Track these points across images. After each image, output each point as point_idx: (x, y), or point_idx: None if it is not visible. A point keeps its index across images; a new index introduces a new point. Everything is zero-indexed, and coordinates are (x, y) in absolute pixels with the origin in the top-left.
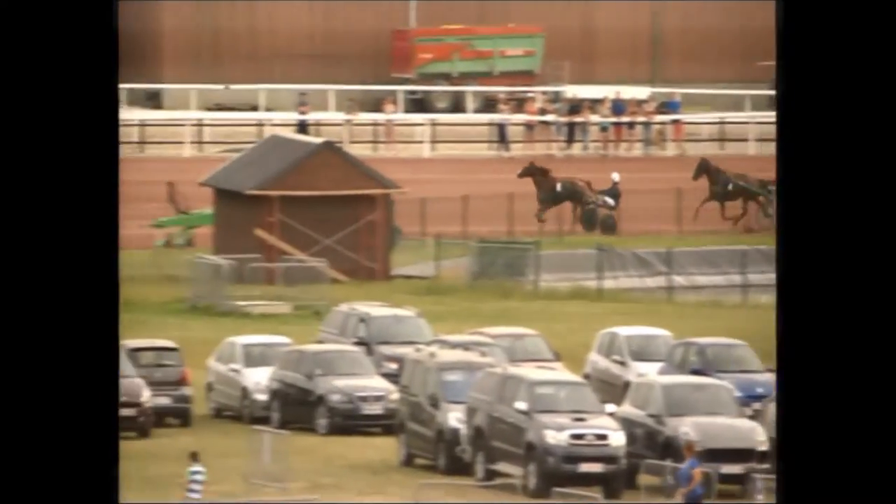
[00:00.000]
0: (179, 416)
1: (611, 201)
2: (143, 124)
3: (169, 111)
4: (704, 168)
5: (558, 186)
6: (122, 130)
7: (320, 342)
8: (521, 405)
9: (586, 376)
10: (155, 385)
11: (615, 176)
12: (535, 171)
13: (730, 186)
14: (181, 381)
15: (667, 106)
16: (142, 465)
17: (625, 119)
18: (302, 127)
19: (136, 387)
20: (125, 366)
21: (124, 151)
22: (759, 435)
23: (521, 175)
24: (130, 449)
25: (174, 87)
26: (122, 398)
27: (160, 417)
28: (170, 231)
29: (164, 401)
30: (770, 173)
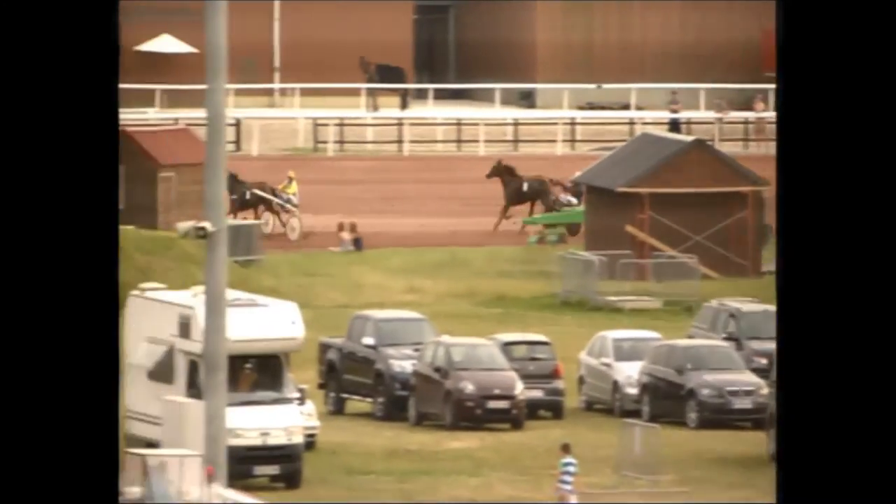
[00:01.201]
0: (552, 408)
1: (573, 200)
2: (516, 123)
3: (542, 110)
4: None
5: (525, 185)
6: (495, 130)
7: (690, 337)
8: None
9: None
10: (528, 378)
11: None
12: (503, 171)
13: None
14: (553, 375)
15: None
16: (515, 456)
17: None
18: (673, 125)
19: (509, 380)
20: (500, 358)
21: (496, 150)
22: None
23: (490, 175)
24: (504, 441)
25: (547, 87)
26: (496, 391)
27: (533, 410)
28: (542, 228)
29: (536, 394)
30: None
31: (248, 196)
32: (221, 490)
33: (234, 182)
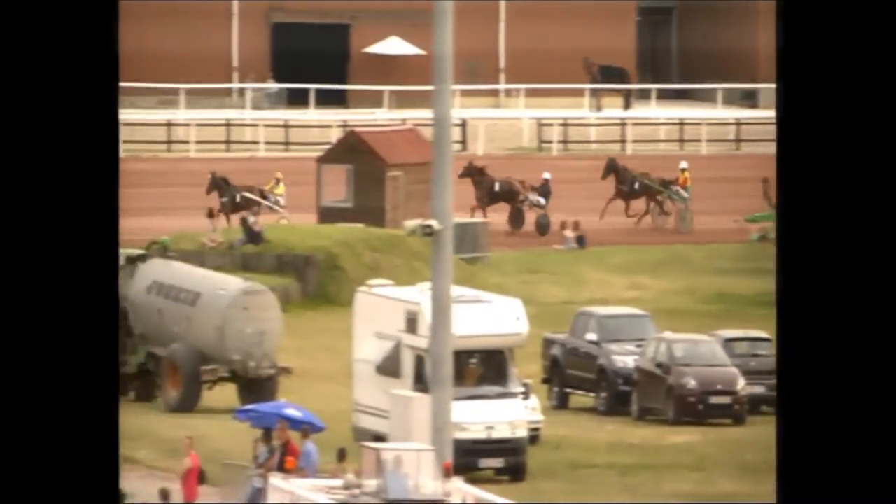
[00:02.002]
0: (774, 404)
1: (542, 200)
2: (738, 123)
3: (764, 110)
4: (612, 167)
5: (496, 185)
6: (717, 129)
7: None
8: None
9: None
10: (749, 374)
11: (546, 175)
12: (474, 171)
13: (636, 185)
14: (775, 371)
15: None
16: (737, 452)
17: None
18: None
19: (731, 376)
20: (721, 354)
21: (718, 149)
22: None
23: (462, 175)
24: (726, 436)
25: (770, 86)
26: (718, 387)
27: (755, 405)
28: (764, 225)
29: (758, 389)
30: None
31: (238, 199)
32: (460, 484)
33: (224, 185)
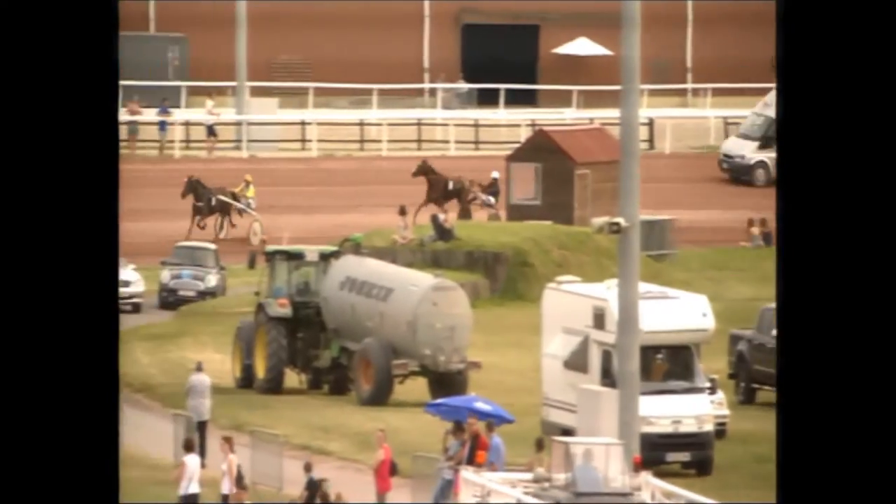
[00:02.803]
0: None
1: (491, 199)
2: None
3: None
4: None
5: (449, 184)
6: None
7: None
8: None
9: None
10: None
11: (495, 174)
12: (427, 170)
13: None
14: None
15: None
16: None
17: None
18: None
19: None
20: None
21: None
22: None
23: (415, 174)
24: None
25: None
26: None
27: None
28: None
29: None
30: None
31: (213, 202)
32: (649, 478)
33: (200, 188)
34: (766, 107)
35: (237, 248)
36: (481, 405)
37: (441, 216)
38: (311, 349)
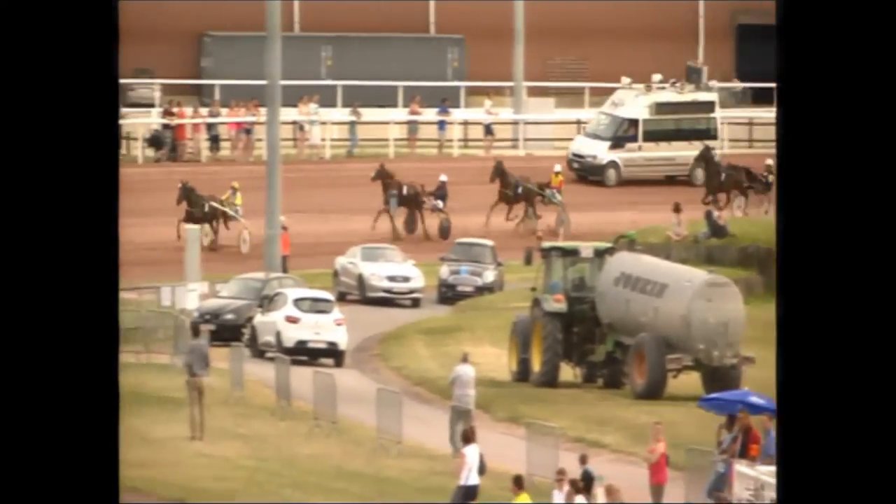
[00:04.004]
0: None
1: (439, 204)
2: None
3: None
4: (499, 171)
5: (404, 189)
6: None
7: None
8: None
9: None
10: None
11: (442, 177)
12: (384, 175)
13: (519, 189)
14: None
15: None
16: None
17: None
18: None
19: None
20: None
21: None
22: None
23: (374, 178)
24: None
25: None
26: None
27: None
28: None
29: None
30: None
31: (206, 209)
32: None
33: (192, 194)
34: (615, 106)
35: (514, 244)
36: (755, 399)
37: (715, 213)
38: (585, 344)
